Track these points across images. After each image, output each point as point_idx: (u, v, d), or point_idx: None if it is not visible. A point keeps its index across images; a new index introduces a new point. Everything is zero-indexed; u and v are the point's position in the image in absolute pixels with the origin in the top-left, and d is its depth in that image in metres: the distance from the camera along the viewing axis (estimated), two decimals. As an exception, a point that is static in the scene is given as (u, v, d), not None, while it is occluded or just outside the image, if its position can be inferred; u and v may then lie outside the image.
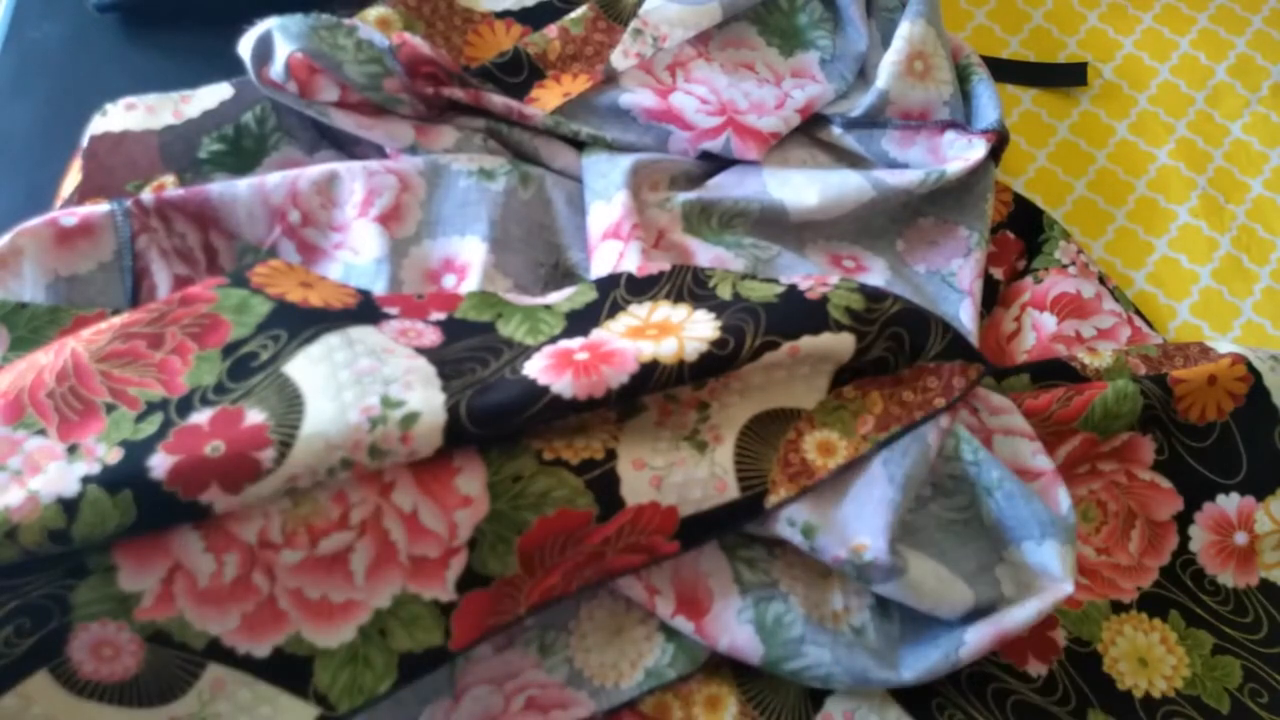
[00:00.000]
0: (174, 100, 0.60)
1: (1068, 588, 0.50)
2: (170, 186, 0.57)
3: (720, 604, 0.50)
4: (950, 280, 0.61)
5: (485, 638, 0.47)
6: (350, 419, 0.42)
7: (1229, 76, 0.77)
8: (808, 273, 0.58)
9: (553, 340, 0.49)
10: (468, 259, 0.56)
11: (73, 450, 0.41)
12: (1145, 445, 0.59)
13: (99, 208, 0.54)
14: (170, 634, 0.41)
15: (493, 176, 0.58)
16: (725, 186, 0.62)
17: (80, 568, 0.40)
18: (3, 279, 0.52)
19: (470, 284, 0.55)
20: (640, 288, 0.53)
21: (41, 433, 0.42)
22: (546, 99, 0.62)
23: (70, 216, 0.53)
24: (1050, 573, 0.51)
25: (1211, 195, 0.72)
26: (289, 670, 0.43)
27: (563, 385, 0.45)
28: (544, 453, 0.46)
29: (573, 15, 0.64)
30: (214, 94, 0.60)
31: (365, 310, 0.50)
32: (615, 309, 0.52)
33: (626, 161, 0.60)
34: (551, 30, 0.63)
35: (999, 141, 0.64)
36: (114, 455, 0.41)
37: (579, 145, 0.62)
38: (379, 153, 0.60)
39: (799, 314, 0.50)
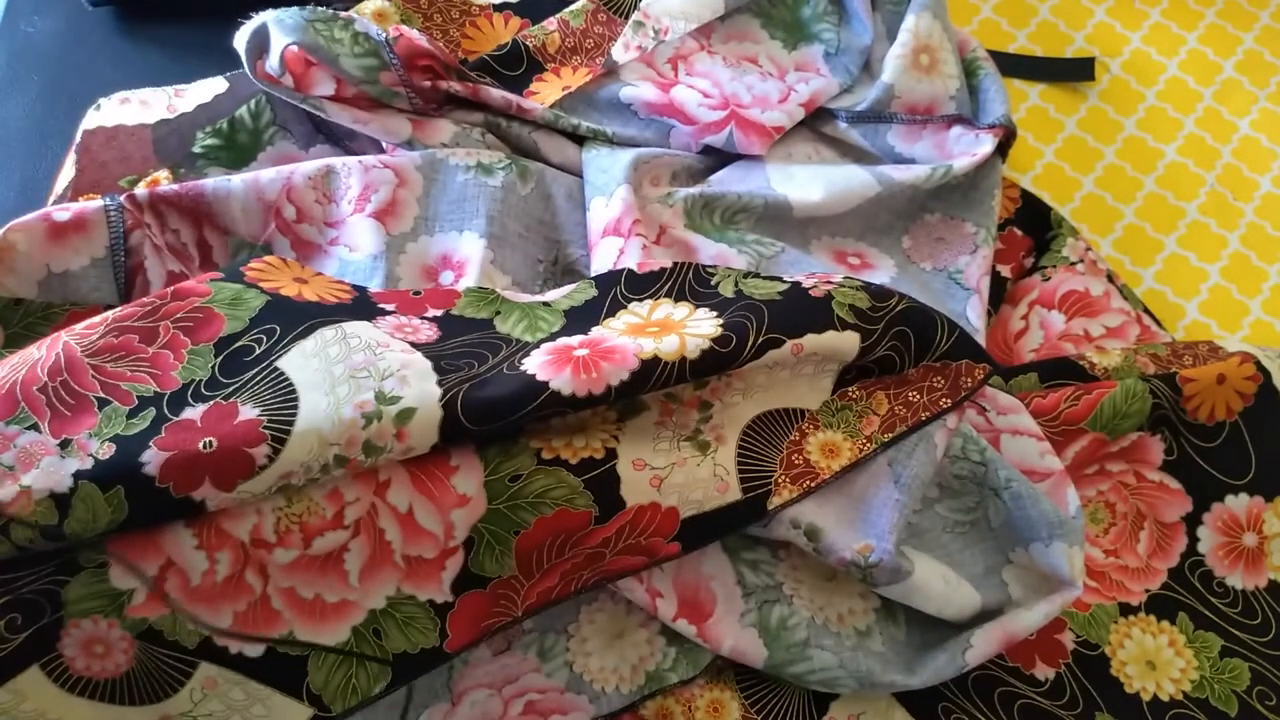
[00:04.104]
0: (168, 94, 0.60)
1: (1076, 590, 0.50)
2: (164, 181, 0.56)
3: (723, 607, 0.49)
4: (957, 278, 0.61)
5: (481, 639, 0.46)
6: (345, 414, 0.42)
7: (1237, 72, 0.76)
8: (812, 270, 0.57)
9: (551, 337, 0.49)
10: (465, 255, 0.55)
11: (65, 445, 0.41)
12: (1154, 445, 0.58)
13: (92, 203, 0.53)
14: (162, 632, 0.41)
15: (491, 171, 0.57)
16: (728, 182, 0.61)
17: (72, 564, 0.40)
18: (-5, 274, 0.51)
19: (468, 280, 0.54)
20: (641, 285, 0.52)
21: (34, 428, 0.42)
22: (546, 93, 0.61)
23: (63, 211, 0.52)
24: (1058, 575, 0.50)
25: (1220, 192, 0.72)
26: (282, 670, 0.43)
27: (561, 381, 0.44)
28: (543, 451, 0.46)
29: (572, 8, 0.64)
30: (208, 88, 0.60)
31: (361, 306, 0.49)
32: (616, 307, 0.51)
33: (627, 156, 0.59)
34: (551, 23, 0.63)
35: (1006, 137, 0.63)
36: (106, 450, 0.41)
37: (579, 140, 0.61)
38: (375, 147, 0.59)
39: (802, 311, 0.50)
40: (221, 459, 0.40)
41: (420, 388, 0.43)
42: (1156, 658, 0.55)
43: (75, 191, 0.56)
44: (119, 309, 0.47)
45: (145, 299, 0.47)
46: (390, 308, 0.50)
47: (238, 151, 0.59)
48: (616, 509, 0.46)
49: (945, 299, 0.60)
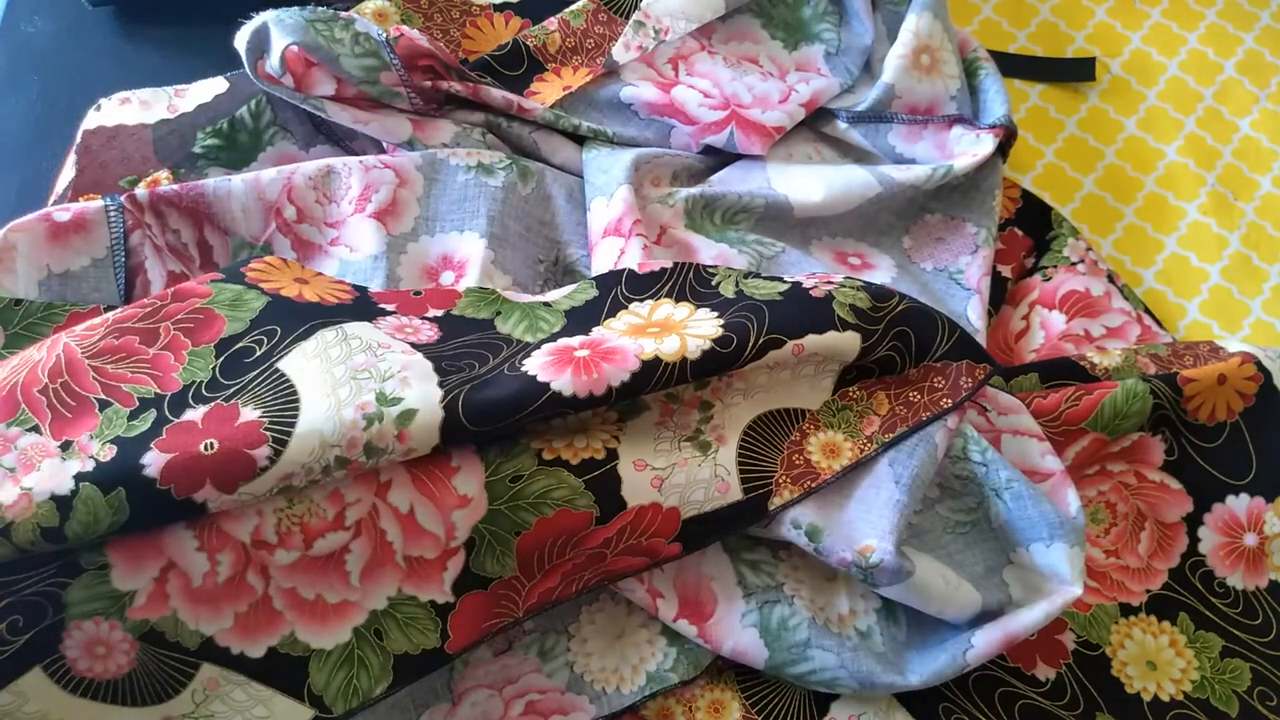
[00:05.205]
0: (168, 94, 0.60)
1: (1076, 590, 0.50)
2: (164, 181, 0.56)
3: (724, 607, 0.49)
4: (958, 278, 0.61)
5: (483, 640, 0.46)
6: (346, 416, 0.42)
7: (1237, 72, 0.76)
8: (813, 270, 0.57)
9: (552, 338, 0.49)
10: (466, 255, 0.55)
11: (66, 447, 0.41)
12: (1155, 445, 0.58)
13: (92, 203, 0.53)
14: (163, 633, 0.41)
15: (491, 172, 0.57)
16: (729, 182, 0.61)
17: (74, 565, 0.40)
18: (-5, 275, 0.51)
19: (469, 281, 0.54)
20: (642, 285, 0.52)
21: (35, 430, 0.42)
22: (546, 93, 0.61)
23: (64, 212, 0.52)
24: (1059, 575, 0.50)
25: (1220, 192, 0.72)
26: (284, 671, 0.43)
27: (562, 382, 0.44)
28: (544, 452, 0.46)
29: (573, 8, 0.64)
30: (208, 88, 0.60)
31: (361, 306, 0.49)
32: (617, 307, 0.51)
33: (628, 156, 0.59)
34: (551, 23, 0.63)
35: (1007, 137, 0.63)
36: (107, 452, 0.40)
37: (579, 140, 0.61)
38: (376, 147, 0.59)
39: (803, 312, 0.50)
40: (223, 461, 0.40)
41: (421, 389, 0.43)
42: (1157, 658, 0.55)
43: (75, 192, 0.56)
44: (119, 310, 0.47)
45: (146, 300, 0.47)
46: (391, 308, 0.50)
47: (238, 151, 0.59)
48: (617, 509, 0.46)
49: (946, 299, 0.60)
